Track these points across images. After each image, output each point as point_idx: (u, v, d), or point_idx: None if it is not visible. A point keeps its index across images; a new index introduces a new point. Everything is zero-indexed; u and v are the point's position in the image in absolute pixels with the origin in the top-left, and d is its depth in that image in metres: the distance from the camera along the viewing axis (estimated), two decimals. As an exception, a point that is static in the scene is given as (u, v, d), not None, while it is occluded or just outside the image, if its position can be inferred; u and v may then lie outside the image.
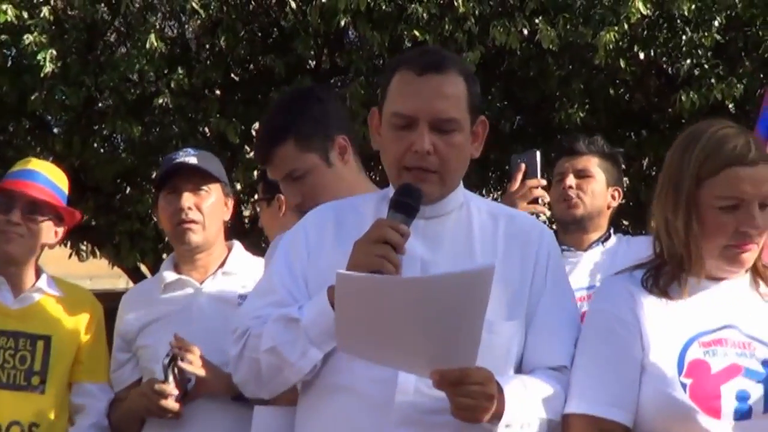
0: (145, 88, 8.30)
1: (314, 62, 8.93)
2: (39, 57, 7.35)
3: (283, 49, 8.37)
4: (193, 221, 3.05)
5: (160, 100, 7.93)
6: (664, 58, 8.25)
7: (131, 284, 9.56)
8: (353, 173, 2.77)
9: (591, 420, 2.16)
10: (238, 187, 9.17)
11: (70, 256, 10.32)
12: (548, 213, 3.70)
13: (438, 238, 2.27)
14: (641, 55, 7.82)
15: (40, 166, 3.22)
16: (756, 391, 2.11)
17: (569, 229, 3.70)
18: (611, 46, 7.31)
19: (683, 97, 7.64)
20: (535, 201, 3.43)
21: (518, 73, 8.53)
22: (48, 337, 3.05)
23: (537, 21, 7.46)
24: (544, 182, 3.48)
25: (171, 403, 2.86)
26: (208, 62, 8.46)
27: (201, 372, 2.85)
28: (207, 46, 8.54)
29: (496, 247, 2.28)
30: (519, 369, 2.25)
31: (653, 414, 2.14)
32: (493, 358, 2.11)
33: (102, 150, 9.40)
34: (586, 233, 3.69)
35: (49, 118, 9.08)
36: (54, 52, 7.44)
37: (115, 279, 12.29)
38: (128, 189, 9.76)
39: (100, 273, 11.99)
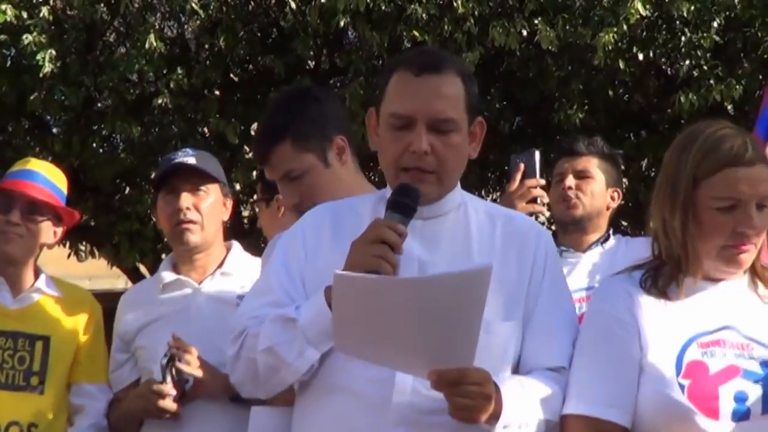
0: (144, 88, 8.30)
1: (313, 62, 8.93)
2: (38, 57, 7.35)
3: (283, 49, 8.37)
4: (191, 221, 3.06)
5: (160, 101, 7.92)
6: (663, 59, 8.25)
7: (130, 284, 9.54)
8: (351, 174, 2.77)
9: (589, 421, 2.16)
10: (238, 187, 9.17)
11: (69, 256, 10.32)
12: (547, 213, 3.70)
13: (436, 238, 2.27)
14: (640, 56, 7.82)
15: (39, 166, 3.22)
16: (754, 393, 2.11)
17: (568, 229, 3.70)
18: (610, 47, 7.31)
19: (682, 98, 7.64)
20: (533, 201, 3.43)
21: (517, 73, 8.53)
22: (47, 338, 3.06)
23: (536, 22, 7.46)
24: (542, 182, 3.48)
25: (169, 404, 2.86)
26: (208, 62, 8.46)
27: (198, 373, 2.85)
28: (206, 47, 8.53)
29: (493, 247, 2.28)
30: (516, 370, 2.25)
31: (651, 415, 2.14)
32: (491, 358, 2.11)
33: (101, 150, 9.40)
34: (585, 234, 3.69)
35: (49, 118, 9.08)
36: (53, 52, 7.44)
37: (114, 279, 12.29)
38: (127, 189, 9.77)
39: (99, 273, 11.99)
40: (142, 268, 10.33)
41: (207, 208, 3.08)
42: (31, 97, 7.83)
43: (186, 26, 8.78)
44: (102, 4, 8.10)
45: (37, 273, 3.16)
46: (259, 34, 8.67)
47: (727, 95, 7.53)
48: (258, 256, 3.08)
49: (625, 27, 7.31)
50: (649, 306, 2.20)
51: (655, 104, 8.91)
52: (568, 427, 2.18)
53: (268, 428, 2.42)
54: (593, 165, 3.69)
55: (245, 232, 8.83)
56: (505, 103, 9.03)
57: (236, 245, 3.25)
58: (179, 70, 7.96)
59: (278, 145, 2.72)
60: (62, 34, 7.93)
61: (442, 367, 2.00)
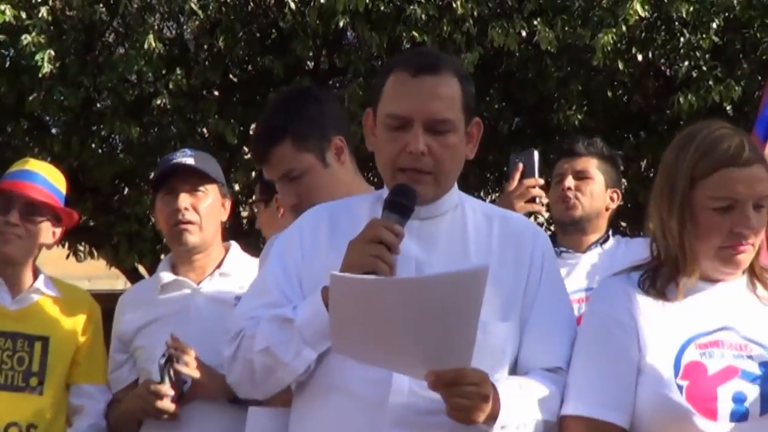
0: (143, 88, 8.30)
1: (313, 63, 8.93)
2: (37, 57, 7.35)
3: (282, 49, 8.37)
4: (189, 222, 3.05)
5: (159, 101, 7.92)
6: (662, 60, 8.26)
7: (129, 285, 9.51)
8: (349, 174, 2.77)
9: (587, 422, 2.15)
10: (237, 187, 9.17)
11: (68, 256, 10.32)
12: (545, 213, 3.69)
13: (433, 238, 2.26)
14: (639, 57, 7.82)
15: (38, 166, 3.22)
16: (752, 393, 2.11)
17: (568, 230, 3.70)
18: (609, 48, 7.31)
19: (681, 99, 7.65)
20: (532, 200, 3.43)
21: (517, 74, 8.53)
22: (46, 338, 3.05)
23: (535, 22, 7.46)
24: (541, 181, 3.48)
25: (167, 404, 2.86)
26: (207, 63, 8.46)
27: (196, 374, 2.85)
28: (205, 47, 8.53)
29: (490, 248, 2.28)
30: (513, 371, 2.25)
31: (650, 416, 2.14)
32: (488, 359, 2.11)
33: (100, 151, 9.39)
34: (584, 235, 3.69)
35: (48, 118, 9.08)
36: (52, 53, 7.44)
37: (114, 280, 12.28)
38: (126, 190, 9.76)
39: (98, 274, 11.99)
40: (141, 269, 10.33)
41: (205, 209, 3.08)
42: (30, 98, 7.83)
43: (185, 27, 8.78)
44: (101, 5, 8.09)
45: (36, 273, 3.16)
46: (258, 35, 8.67)
47: (726, 96, 7.53)
48: (257, 256, 3.08)
49: (624, 28, 7.31)
50: (647, 307, 2.20)
51: (654, 105, 8.91)
52: (566, 428, 2.18)
53: (266, 429, 2.42)
54: (593, 166, 3.69)
55: (244, 232, 8.83)
56: (504, 103, 9.03)
57: (235, 246, 3.25)
58: (178, 71, 7.95)
59: (278, 145, 2.72)
60: (61, 35, 7.93)
61: (439, 368, 2.00)
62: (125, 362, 3.14)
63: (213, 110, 8.34)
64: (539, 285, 2.28)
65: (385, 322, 2.01)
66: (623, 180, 4.68)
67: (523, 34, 7.51)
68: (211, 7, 7.94)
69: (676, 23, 7.80)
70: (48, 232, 3.13)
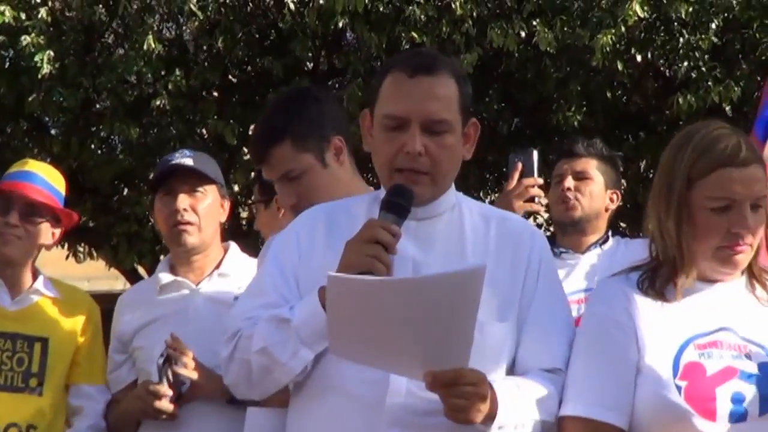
0: (142, 89, 8.30)
1: (312, 64, 8.94)
2: (36, 58, 7.35)
3: (281, 50, 8.38)
4: (188, 223, 3.05)
5: (158, 102, 7.92)
6: (661, 61, 8.26)
7: (129, 286, 9.52)
8: (348, 174, 2.77)
9: (586, 422, 2.15)
10: (236, 188, 9.16)
11: (68, 257, 10.32)
12: (544, 213, 3.69)
13: (430, 239, 2.26)
14: (639, 58, 7.83)
15: (38, 167, 3.22)
16: (751, 394, 2.10)
17: (567, 231, 3.70)
18: (609, 49, 7.32)
19: (681, 100, 7.65)
20: (531, 200, 3.43)
21: (516, 75, 8.53)
22: (45, 339, 3.05)
23: (534, 23, 7.46)
24: (540, 181, 3.48)
25: (165, 405, 2.86)
26: (206, 64, 8.46)
27: (194, 375, 2.85)
28: (205, 48, 8.54)
29: (487, 248, 2.28)
30: (511, 371, 2.25)
31: (648, 416, 2.13)
32: (485, 359, 2.11)
33: (100, 151, 9.40)
34: (584, 235, 3.69)
35: (47, 119, 9.08)
36: (51, 54, 7.44)
37: (113, 280, 12.28)
38: (126, 190, 9.76)
39: (98, 274, 11.99)
40: (141, 270, 10.33)
41: (204, 210, 3.08)
42: (30, 99, 7.83)
43: (184, 28, 8.78)
44: (100, 6, 8.10)
45: (35, 274, 3.16)
46: (257, 36, 8.68)
47: (726, 96, 7.54)
48: (256, 257, 3.08)
49: (623, 28, 7.32)
50: (646, 307, 2.19)
51: (653, 105, 8.92)
52: (565, 429, 2.18)
53: (264, 429, 2.42)
54: (592, 166, 3.69)
55: (243, 233, 8.82)
56: (503, 104, 9.04)
57: (234, 246, 3.25)
58: (177, 72, 7.96)
59: (277, 145, 2.72)
60: (61, 36, 7.93)
61: (436, 368, 2.00)
62: (124, 362, 3.14)
63: (212, 111, 8.34)
64: (537, 285, 2.28)
65: (382, 323, 2.01)
66: (622, 180, 4.68)
67: (523, 34, 7.51)
68: (210, 8, 7.94)
69: (676, 24, 7.80)
70: (47, 232, 3.13)
